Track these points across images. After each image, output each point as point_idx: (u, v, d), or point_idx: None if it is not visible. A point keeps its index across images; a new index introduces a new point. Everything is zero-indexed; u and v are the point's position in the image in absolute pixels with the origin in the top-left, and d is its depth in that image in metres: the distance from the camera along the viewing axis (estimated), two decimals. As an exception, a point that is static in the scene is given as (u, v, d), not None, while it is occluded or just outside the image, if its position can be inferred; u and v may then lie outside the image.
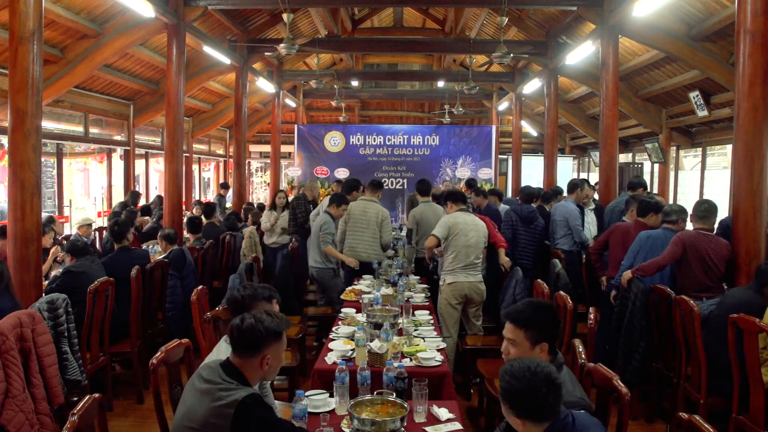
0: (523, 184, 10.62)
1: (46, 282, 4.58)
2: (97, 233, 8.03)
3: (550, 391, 1.82)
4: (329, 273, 5.87)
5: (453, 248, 4.77)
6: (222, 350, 2.54)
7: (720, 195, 8.59)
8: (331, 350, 3.47)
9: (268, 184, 15.92)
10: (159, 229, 6.88)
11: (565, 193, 7.30)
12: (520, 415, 1.85)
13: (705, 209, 4.37)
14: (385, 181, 12.20)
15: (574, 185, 6.59)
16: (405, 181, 12.79)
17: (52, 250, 5.42)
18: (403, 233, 8.11)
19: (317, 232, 5.88)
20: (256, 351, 2.14)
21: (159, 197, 9.13)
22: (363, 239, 5.85)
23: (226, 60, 9.42)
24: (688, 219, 4.68)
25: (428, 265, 5.77)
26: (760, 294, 3.64)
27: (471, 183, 9.60)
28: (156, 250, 6.66)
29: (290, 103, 14.69)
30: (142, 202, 9.62)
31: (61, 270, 4.67)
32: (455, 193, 5.16)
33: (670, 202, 10.32)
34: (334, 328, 3.96)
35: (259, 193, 18.42)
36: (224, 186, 12.67)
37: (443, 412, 2.66)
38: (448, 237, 4.79)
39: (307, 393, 2.73)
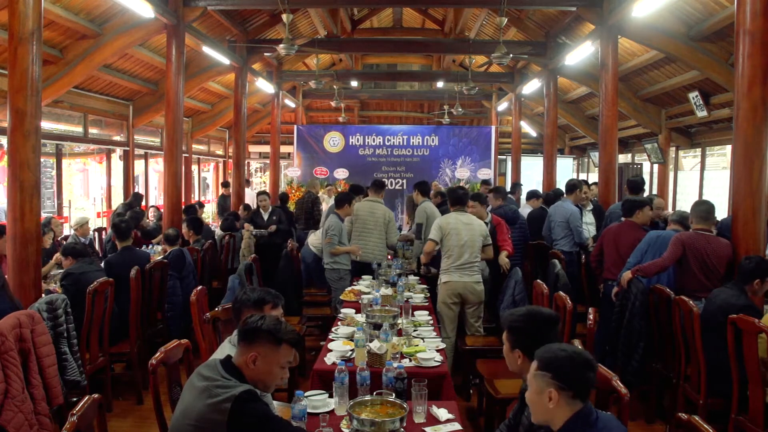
0: (523, 185, 10.64)
1: (45, 283, 4.56)
2: (96, 234, 8.03)
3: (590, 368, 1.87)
4: (335, 274, 5.82)
5: (446, 248, 4.82)
6: (225, 351, 2.54)
7: (719, 195, 8.58)
8: (331, 351, 3.46)
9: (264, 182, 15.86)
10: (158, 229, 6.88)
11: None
12: (561, 387, 1.85)
13: (705, 209, 4.35)
14: (384, 182, 12.18)
15: (573, 186, 6.57)
16: (404, 181, 12.79)
17: (55, 256, 5.38)
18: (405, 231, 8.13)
19: (324, 235, 5.84)
20: (249, 343, 2.18)
21: (129, 200, 8.86)
22: (371, 239, 5.87)
23: (225, 60, 9.41)
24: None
25: (427, 271, 5.66)
26: (743, 292, 3.63)
27: (486, 182, 10.77)
28: (156, 251, 6.67)
29: (290, 103, 14.68)
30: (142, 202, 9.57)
31: (60, 271, 4.65)
32: (451, 196, 5.10)
33: (670, 202, 10.34)
34: (333, 329, 3.96)
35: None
36: (226, 185, 12.03)
37: (443, 413, 2.67)
38: (442, 238, 4.82)
39: (306, 393, 2.73)
